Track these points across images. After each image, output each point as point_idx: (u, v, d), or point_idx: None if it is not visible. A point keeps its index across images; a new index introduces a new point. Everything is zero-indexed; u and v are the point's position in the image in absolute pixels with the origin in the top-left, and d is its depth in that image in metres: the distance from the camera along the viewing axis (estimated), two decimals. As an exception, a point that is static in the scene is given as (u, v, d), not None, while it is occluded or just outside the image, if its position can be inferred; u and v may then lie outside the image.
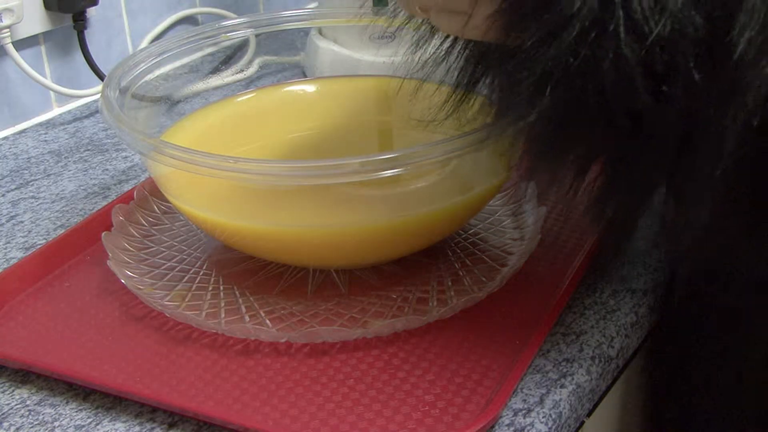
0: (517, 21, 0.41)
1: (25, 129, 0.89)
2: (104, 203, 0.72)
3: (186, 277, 0.61)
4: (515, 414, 0.49)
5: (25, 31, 0.86)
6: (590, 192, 0.47)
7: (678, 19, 0.37)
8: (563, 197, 0.50)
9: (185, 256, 0.64)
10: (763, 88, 0.37)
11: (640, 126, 0.41)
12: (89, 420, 0.51)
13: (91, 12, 0.90)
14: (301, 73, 0.93)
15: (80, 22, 0.89)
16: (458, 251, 0.63)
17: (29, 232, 0.70)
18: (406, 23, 0.55)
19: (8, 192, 0.77)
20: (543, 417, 0.49)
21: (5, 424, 0.51)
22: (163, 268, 0.62)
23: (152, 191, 0.69)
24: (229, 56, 0.93)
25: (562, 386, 0.51)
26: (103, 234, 0.63)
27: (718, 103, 0.38)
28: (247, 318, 0.57)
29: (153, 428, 0.50)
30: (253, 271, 0.61)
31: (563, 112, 0.42)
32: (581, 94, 0.40)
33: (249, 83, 0.89)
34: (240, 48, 0.93)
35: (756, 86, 0.37)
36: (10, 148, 0.85)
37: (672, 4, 0.37)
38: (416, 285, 0.59)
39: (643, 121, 0.41)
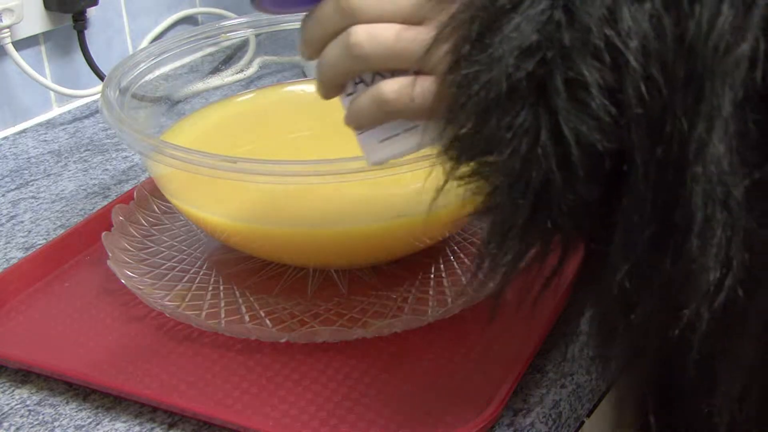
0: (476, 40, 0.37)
1: (25, 129, 0.89)
2: (104, 203, 0.72)
3: (186, 277, 0.61)
4: (515, 414, 0.49)
5: (25, 31, 0.86)
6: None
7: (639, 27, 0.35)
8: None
9: (185, 256, 0.64)
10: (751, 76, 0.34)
11: (607, 191, 0.37)
12: (89, 420, 0.51)
13: (91, 12, 0.90)
14: (301, 73, 0.93)
15: (80, 22, 0.89)
16: (458, 251, 0.63)
17: (29, 232, 0.70)
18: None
19: (8, 192, 0.77)
20: (543, 417, 0.49)
21: (5, 424, 0.51)
22: (163, 268, 0.62)
23: (152, 191, 0.69)
24: (229, 56, 0.92)
25: (562, 386, 0.51)
26: (103, 234, 0.63)
27: (693, 98, 0.34)
28: (247, 318, 0.57)
29: (153, 428, 0.50)
30: (253, 271, 0.61)
31: (520, 166, 0.37)
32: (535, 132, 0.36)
33: (249, 83, 0.89)
34: (240, 48, 0.93)
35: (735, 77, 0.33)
36: (10, 148, 0.85)
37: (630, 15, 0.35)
38: (416, 285, 0.59)
39: (611, 175, 0.37)
